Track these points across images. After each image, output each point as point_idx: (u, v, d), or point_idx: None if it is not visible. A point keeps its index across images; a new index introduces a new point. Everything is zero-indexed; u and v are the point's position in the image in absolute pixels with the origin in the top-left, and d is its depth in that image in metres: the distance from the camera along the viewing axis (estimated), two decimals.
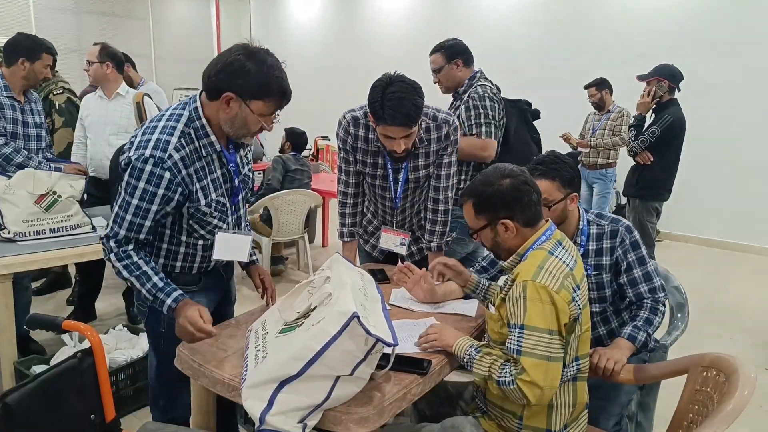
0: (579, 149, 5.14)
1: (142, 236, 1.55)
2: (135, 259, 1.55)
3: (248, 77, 1.46)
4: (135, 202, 1.49)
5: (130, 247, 1.55)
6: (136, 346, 2.71)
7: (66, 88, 3.65)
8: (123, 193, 1.52)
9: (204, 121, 1.55)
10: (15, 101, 2.79)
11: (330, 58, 8.93)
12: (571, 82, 6.00)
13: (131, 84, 3.73)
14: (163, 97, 4.03)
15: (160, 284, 1.55)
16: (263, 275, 1.90)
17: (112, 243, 1.55)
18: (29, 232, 2.52)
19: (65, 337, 2.64)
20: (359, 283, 1.48)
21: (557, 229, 1.58)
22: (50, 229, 2.57)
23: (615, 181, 5.25)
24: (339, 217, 2.29)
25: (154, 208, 1.51)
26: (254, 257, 1.94)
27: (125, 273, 1.55)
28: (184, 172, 1.52)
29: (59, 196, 2.59)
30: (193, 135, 1.54)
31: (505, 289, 1.49)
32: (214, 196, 1.62)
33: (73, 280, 3.70)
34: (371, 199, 2.30)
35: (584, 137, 5.23)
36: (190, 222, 1.63)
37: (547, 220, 1.57)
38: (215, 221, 1.66)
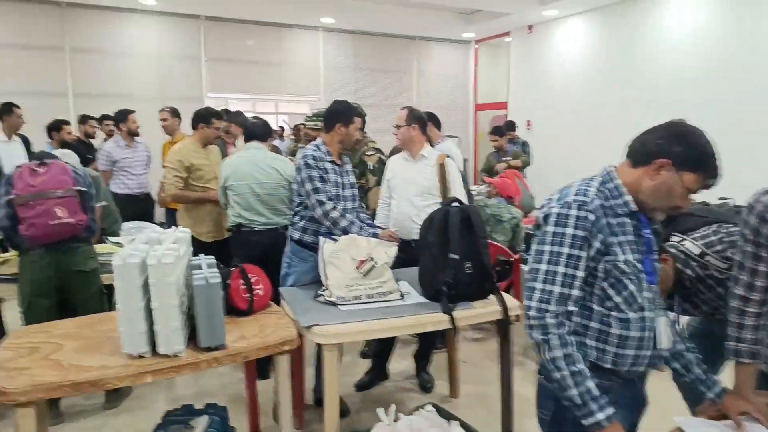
0: None
1: (571, 304, 1.38)
2: (572, 349, 1.35)
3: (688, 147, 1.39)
4: (566, 251, 1.38)
5: (566, 327, 1.37)
6: None
7: (376, 148, 3.84)
8: (547, 246, 1.41)
9: (619, 182, 1.46)
10: (336, 165, 2.93)
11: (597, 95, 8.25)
12: None
13: (430, 141, 3.74)
14: (457, 154, 3.96)
15: (596, 392, 1.31)
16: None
17: (549, 319, 1.37)
18: (349, 297, 2.55)
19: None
20: None
21: None
22: (366, 295, 2.57)
23: None
24: (734, 329, 1.68)
25: (583, 255, 1.38)
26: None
27: (560, 364, 1.34)
28: (604, 220, 1.41)
29: (376, 263, 2.58)
30: (607, 194, 1.45)
31: None
32: (630, 257, 1.42)
33: None
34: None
35: None
36: (604, 284, 1.42)
37: None
38: (631, 286, 1.42)
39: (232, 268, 2.50)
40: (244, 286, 2.44)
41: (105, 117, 5.98)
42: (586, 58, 8.37)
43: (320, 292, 2.62)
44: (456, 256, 2.52)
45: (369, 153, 3.77)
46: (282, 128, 9.89)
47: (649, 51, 7.35)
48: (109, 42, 8.07)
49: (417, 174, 3.24)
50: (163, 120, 5.05)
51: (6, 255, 3.26)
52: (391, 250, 2.66)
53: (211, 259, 2.42)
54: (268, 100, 9.64)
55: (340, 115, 2.95)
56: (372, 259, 2.58)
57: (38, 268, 2.75)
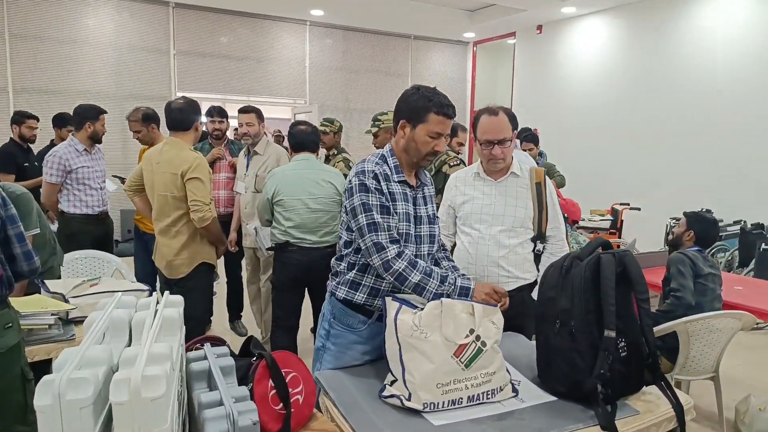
0: None
1: None
2: None
3: None
4: None
5: None
6: None
7: (461, 159, 2.85)
8: None
9: None
10: (407, 187, 1.92)
11: (621, 105, 7.49)
12: None
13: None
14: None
15: None
16: None
17: None
18: (443, 403, 1.56)
19: None
20: None
21: None
22: (468, 397, 1.59)
23: None
24: None
25: None
26: None
27: None
28: None
29: (484, 344, 1.60)
30: None
31: None
32: None
33: None
34: None
35: None
36: None
37: None
38: None
39: (253, 360, 1.49)
40: (274, 392, 1.44)
41: (61, 118, 4.78)
42: (604, 60, 7.61)
43: (389, 387, 1.63)
44: (612, 333, 1.57)
45: (454, 164, 2.75)
46: (279, 132, 8.73)
47: (680, 54, 6.62)
48: (59, 28, 6.85)
49: (506, 199, 2.28)
50: (136, 132, 3.87)
51: None
52: (498, 319, 1.69)
53: (222, 350, 1.41)
54: (247, 101, 8.53)
55: (412, 110, 1.93)
56: (478, 338, 1.60)
57: None
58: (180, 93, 7.67)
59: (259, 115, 3.64)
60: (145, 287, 2.64)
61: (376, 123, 3.44)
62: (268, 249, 3.32)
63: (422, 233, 1.93)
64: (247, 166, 3.71)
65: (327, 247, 3.10)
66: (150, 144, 3.87)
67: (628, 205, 5.60)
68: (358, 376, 1.81)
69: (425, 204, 1.98)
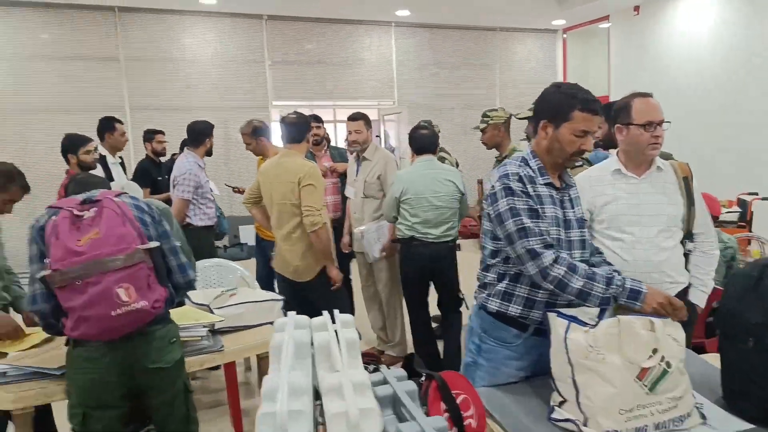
0: None
1: None
2: None
3: None
4: None
5: None
6: None
7: (585, 158, 2.73)
8: None
9: None
10: (553, 189, 1.81)
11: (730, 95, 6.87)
12: None
13: None
14: None
15: None
16: None
17: None
18: (627, 431, 1.44)
19: None
20: None
21: None
22: (655, 425, 1.46)
23: None
24: None
25: None
26: None
27: None
28: None
29: (668, 365, 1.47)
30: None
31: None
32: None
33: None
34: None
35: None
36: None
37: None
38: None
39: (421, 380, 1.45)
40: (447, 415, 1.39)
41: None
42: (717, 37, 7.00)
43: (559, 410, 1.54)
44: None
45: (578, 164, 2.62)
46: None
47: None
48: (167, 49, 7.29)
49: (656, 197, 2.11)
50: (247, 144, 4.01)
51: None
52: (680, 335, 1.54)
53: (399, 373, 1.38)
54: (341, 106, 8.66)
55: (554, 109, 1.80)
56: (663, 359, 1.47)
57: (95, 370, 1.76)
58: (275, 102, 7.92)
59: (367, 121, 3.67)
60: (279, 297, 2.71)
61: (485, 119, 3.40)
62: (394, 241, 3.53)
63: (572, 238, 1.81)
64: (357, 172, 3.74)
65: (448, 241, 3.39)
66: (260, 155, 4.03)
67: (757, 194, 5.09)
68: (517, 394, 1.73)
69: (572, 206, 1.85)
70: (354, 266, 4.17)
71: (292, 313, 1.40)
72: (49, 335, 2.32)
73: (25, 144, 6.69)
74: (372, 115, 10.36)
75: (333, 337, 1.22)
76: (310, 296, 3.06)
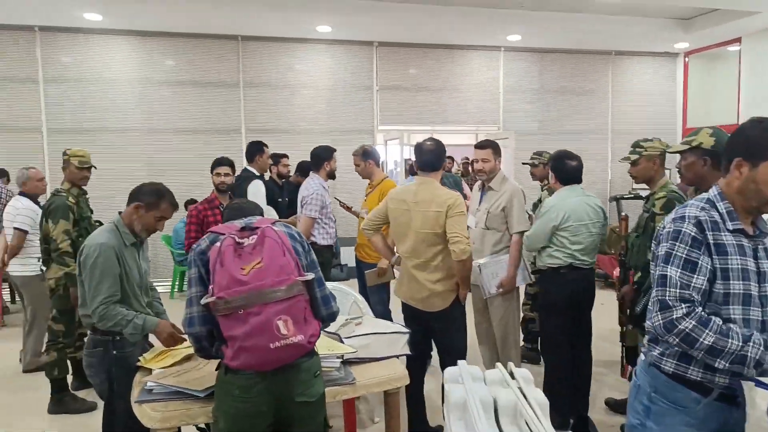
0: None
1: None
2: None
3: None
4: None
5: None
6: None
7: None
8: None
9: None
10: (744, 237, 1.58)
11: None
12: None
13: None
14: None
15: None
16: None
17: None
18: None
19: None
20: None
21: None
22: None
23: None
24: None
25: None
26: None
27: None
28: None
29: None
30: None
31: None
32: None
33: None
34: None
35: None
36: None
37: None
38: None
39: None
40: None
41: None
42: None
43: None
44: None
45: None
46: (452, 159, 8.79)
47: None
48: (282, 75, 7.63)
49: None
50: (357, 165, 4.19)
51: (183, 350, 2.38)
52: None
53: None
54: (443, 131, 8.62)
55: (753, 146, 1.53)
56: None
57: (247, 399, 1.76)
58: (381, 127, 8.02)
59: (495, 150, 3.53)
60: (405, 330, 2.64)
61: (638, 150, 3.09)
62: (535, 273, 3.50)
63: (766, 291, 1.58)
64: (480, 201, 3.61)
65: (594, 268, 3.41)
66: (367, 177, 4.18)
67: None
68: None
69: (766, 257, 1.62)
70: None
71: (462, 363, 1.30)
72: (189, 353, 2.40)
73: (150, 162, 7.22)
74: (473, 140, 10.24)
75: (520, 396, 1.11)
76: (435, 326, 2.97)
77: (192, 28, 7.11)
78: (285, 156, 5.26)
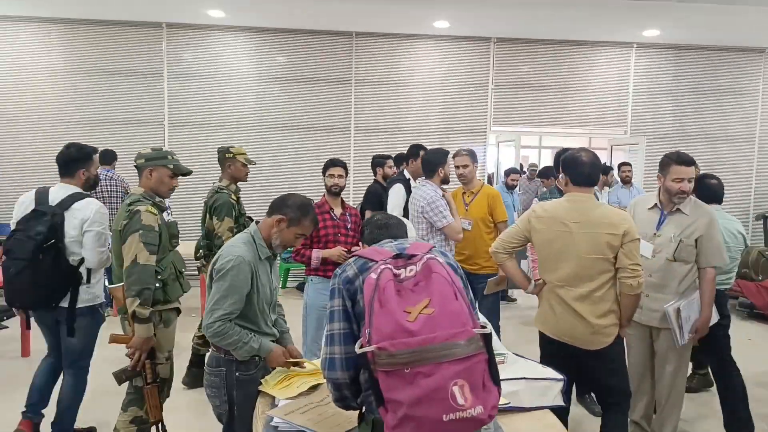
0: None
1: None
2: None
3: None
4: None
5: None
6: None
7: None
8: None
9: None
10: None
11: None
12: None
13: None
14: None
15: None
16: None
17: None
18: None
19: None
20: None
21: None
22: None
23: None
24: None
25: None
26: None
27: None
28: None
29: None
30: None
31: None
32: None
33: None
34: None
35: None
36: None
37: None
38: None
39: None
40: None
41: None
42: None
43: None
44: None
45: None
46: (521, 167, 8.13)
47: None
48: (393, 72, 7.39)
49: None
50: (464, 167, 3.90)
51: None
52: None
53: None
54: (555, 133, 7.99)
55: None
56: None
57: None
58: (495, 127, 7.56)
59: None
60: (559, 376, 2.24)
61: None
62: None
63: None
64: (660, 224, 2.91)
65: (727, 292, 3.38)
66: (469, 182, 3.95)
67: None
68: None
69: None
70: None
71: None
72: (316, 383, 2.17)
73: (258, 157, 7.26)
74: (600, 143, 9.48)
75: None
76: (596, 365, 2.54)
77: (307, 25, 7.05)
78: (389, 157, 4.98)
